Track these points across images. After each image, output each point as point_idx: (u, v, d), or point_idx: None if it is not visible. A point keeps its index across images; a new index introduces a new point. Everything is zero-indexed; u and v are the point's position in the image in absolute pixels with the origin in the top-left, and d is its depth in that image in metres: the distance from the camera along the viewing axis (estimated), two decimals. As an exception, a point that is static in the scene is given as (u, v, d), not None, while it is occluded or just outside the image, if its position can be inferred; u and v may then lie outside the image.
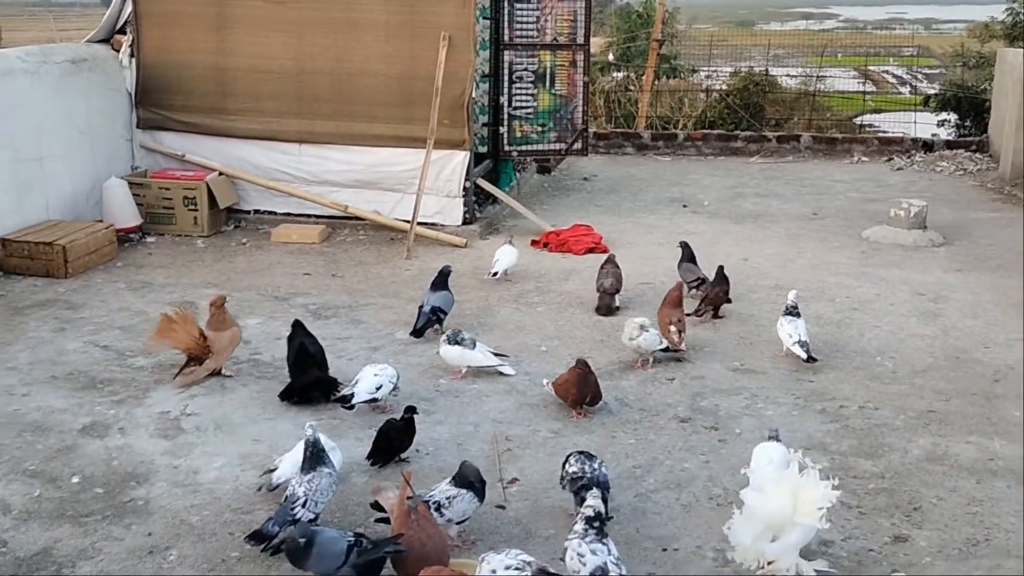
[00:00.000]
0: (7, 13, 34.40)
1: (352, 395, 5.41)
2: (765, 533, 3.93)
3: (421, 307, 6.81)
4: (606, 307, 7.31)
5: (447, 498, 4.20)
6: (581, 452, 4.54)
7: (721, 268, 7.39)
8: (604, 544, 3.75)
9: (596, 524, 3.78)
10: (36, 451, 5.07)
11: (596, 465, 4.44)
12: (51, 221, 8.55)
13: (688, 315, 6.79)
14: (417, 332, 6.72)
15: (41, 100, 8.61)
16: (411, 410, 5.00)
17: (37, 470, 4.88)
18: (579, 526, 3.82)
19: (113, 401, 5.69)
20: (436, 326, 6.74)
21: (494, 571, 3.64)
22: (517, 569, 3.61)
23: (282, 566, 4.02)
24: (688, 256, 7.77)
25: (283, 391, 5.76)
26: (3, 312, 7.18)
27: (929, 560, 4.22)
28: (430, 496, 4.21)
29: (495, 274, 8.07)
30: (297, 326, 5.96)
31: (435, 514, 4.09)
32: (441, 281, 6.92)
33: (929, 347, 6.72)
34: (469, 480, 4.25)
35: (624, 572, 3.74)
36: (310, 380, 5.72)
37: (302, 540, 3.75)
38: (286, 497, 4.25)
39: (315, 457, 4.28)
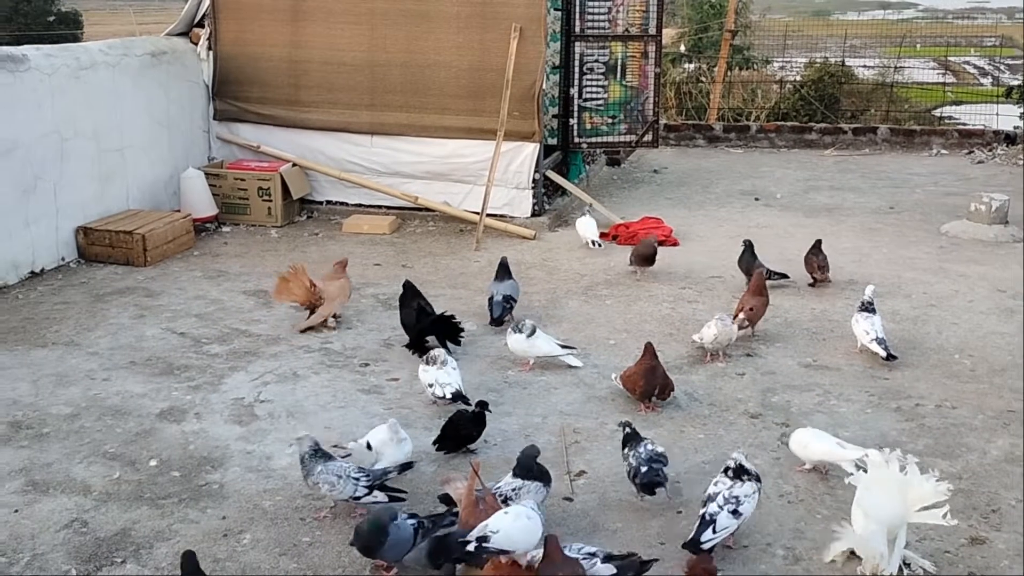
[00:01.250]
0: (90, 7, 35.35)
1: (458, 393, 5.41)
2: (890, 536, 3.97)
3: (492, 298, 6.87)
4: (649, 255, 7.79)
5: (513, 490, 4.22)
6: (626, 444, 4.62)
7: (819, 241, 7.87)
8: (731, 480, 4.19)
9: (729, 472, 4.23)
10: (116, 434, 5.22)
11: (640, 449, 4.54)
12: (131, 210, 8.78)
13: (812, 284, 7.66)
14: (496, 322, 6.79)
15: (122, 92, 8.83)
16: (483, 405, 5.03)
17: (117, 453, 5.03)
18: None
19: (190, 387, 5.82)
20: (508, 316, 6.80)
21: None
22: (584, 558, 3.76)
23: (352, 552, 4.07)
24: (750, 255, 7.64)
25: (408, 343, 6.34)
26: (85, 299, 7.40)
27: (1007, 563, 4.12)
28: (497, 488, 4.23)
29: (598, 244, 8.65)
30: (407, 288, 6.53)
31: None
32: (504, 270, 7.03)
33: (1009, 345, 6.54)
34: (530, 468, 4.27)
35: (735, 515, 4.10)
36: (429, 322, 6.29)
37: (369, 527, 3.82)
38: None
39: (324, 457, 4.37)
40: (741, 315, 6.50)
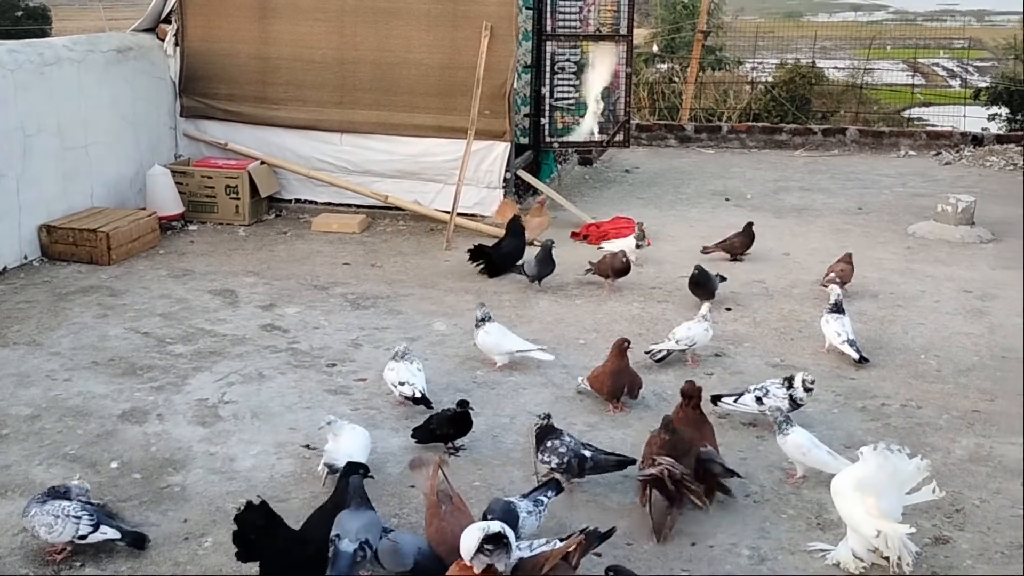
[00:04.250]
0: (59, 3, 34.95)
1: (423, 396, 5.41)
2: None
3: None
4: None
5: None
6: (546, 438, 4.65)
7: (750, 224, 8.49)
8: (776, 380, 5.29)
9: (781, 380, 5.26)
10: (76, 436, 5.14)
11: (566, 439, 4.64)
12: (95, 208, 8.66)
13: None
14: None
15: (87, 88, 8.71)
16: (463, 404, 4.99)
17: (77, 454, 4.95)
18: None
19: (152, 388, 5.75)
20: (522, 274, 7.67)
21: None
22: None
23: (315, 555, 4.03)
24: (703, 277, 7.22)
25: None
26: (47, 298, 7.29)
27: (971, 563, 4.14)
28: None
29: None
30: (514, 221, 8.17)
31: None
32: (542, 251, 7.59)
33: (975, 345, 6.59)
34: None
35: (758, 402, 5.18)
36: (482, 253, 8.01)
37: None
38: None
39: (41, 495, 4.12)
40: (832, 275, 7.28)
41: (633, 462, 4.63)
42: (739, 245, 8.45)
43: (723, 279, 7.32)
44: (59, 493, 4.11)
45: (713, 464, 4.51)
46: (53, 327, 6.69)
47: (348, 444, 4.61)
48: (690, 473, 4.26)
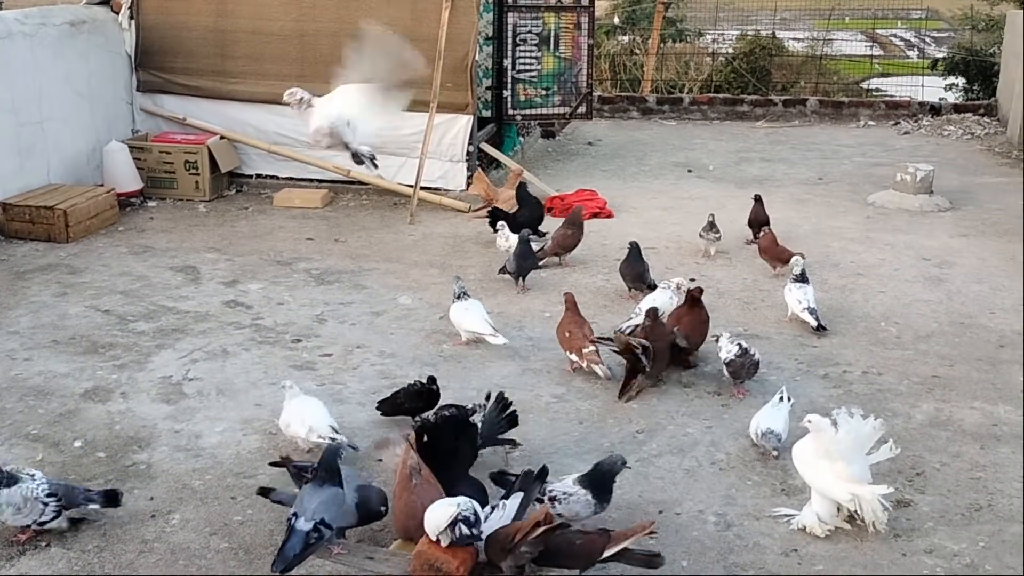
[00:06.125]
0: (8, -24, 34.06)
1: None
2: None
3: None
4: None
5: (563, 493, 4.06)
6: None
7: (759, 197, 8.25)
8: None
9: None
10: (38, 415, 5.08)
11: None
12: (52, 185, 8.51)
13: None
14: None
15: (41, 63, 8.54)
16: (431, 381, 4.97)
17: (39, 434, 4.89)
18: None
19: (115, 366, 5.68)
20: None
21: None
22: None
23: (283, 529, 4.01)
24: (636, 258, 6.94)
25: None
26: (5, 277, 7.17)
27: (931, 525, 4.22)
28: (550, 489, 4.06)
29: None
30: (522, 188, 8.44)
31: (548, 504, 3.94)
32: (520, 244, 7.07)
33: (934, 312, 6.69)
34: (598, 479, 4.08)
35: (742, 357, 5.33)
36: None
37: None
38: None
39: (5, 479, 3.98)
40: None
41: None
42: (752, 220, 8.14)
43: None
44: (10, 475, 3.98)
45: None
46: (11, 306, 6.58)
47: (303, 410, 4.67)
48: (649, 347, 5.27)
